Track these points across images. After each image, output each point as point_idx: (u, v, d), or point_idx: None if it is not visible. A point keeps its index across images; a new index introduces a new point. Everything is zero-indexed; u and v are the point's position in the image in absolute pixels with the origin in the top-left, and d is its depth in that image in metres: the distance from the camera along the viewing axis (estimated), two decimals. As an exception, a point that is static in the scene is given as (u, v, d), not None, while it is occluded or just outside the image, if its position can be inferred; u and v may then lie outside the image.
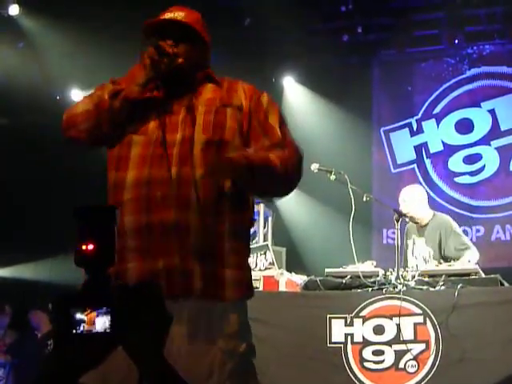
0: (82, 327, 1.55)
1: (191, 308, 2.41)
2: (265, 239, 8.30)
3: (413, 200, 5.91)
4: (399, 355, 4.55)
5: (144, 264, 2.41)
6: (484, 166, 9.34)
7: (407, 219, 5.40)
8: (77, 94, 9.20)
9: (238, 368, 2.43)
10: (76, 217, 1.69)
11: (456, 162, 9.46)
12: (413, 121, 9.80)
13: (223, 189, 2.47)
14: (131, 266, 2.42)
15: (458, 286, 4.57)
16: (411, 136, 9.80)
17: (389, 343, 4.59)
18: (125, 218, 2.44)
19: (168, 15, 2.62)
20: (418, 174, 9.54)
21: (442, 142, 9.60)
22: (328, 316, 4.72)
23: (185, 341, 2.40)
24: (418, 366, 4.49)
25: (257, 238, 8.40)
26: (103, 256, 1.66)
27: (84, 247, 1.63)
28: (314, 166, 5.26)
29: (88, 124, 2.52)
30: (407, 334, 4.56)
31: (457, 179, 9.36)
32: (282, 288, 5.28)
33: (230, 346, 2.42)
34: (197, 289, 2.39)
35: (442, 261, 5.58)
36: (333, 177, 5.17)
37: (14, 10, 8.34)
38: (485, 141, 9.38)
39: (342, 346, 4.66)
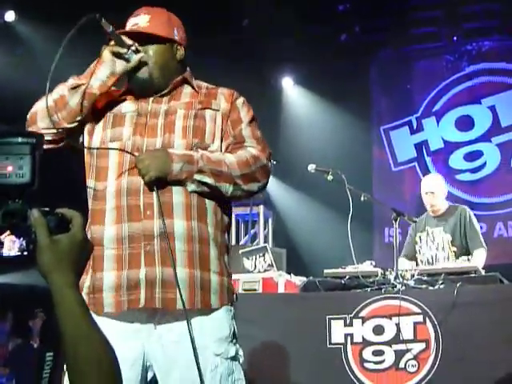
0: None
1: (180, 315, 2.40)
2: (265, 241, 8.30)
3: (440, 191, 5.97)
4: (399, 355, 4.51)
5: (122, 273, 2.40)
6: (485, 162, 9.32)
7: (405, 218, 5.36)
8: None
9: (229, 371, 2.44)
10: None
11: (457, 160, 9.44)
12: (413, 119, 9.78)
13: (204, 194, 2.47)
14: (108, 275, 2.41)
15: (458, 285, 4.53)
16: (411, 134, 9.78)
17: (389, 343, 4.56)
18: (105, 228, 2.43)
19: (131, 22, 2.62)
20: (419, 171, 9.52)
21: (443, 139, 9.58)
22: (327, 317, 4.68)
23: (176, 346, 2.40)
24: (419, 365, 4.46)
25: (257, 240, 8.40)
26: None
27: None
28: (311, 167, 5.24)
29: (47, 120, 2.50)
30: (407, 333, 4.53)
31: (458, 176, 9.34)
32: (281, 290, 5.26)
33: (221, 350, 2.43)
34: (183, 297, 2.36)
35: (456, 250, 5.66)
36: (330, 177, 5.14)
37: (10, 16, 8.33)
38: (485, 137, 9.36)
39: (342, 346, 4.64)
